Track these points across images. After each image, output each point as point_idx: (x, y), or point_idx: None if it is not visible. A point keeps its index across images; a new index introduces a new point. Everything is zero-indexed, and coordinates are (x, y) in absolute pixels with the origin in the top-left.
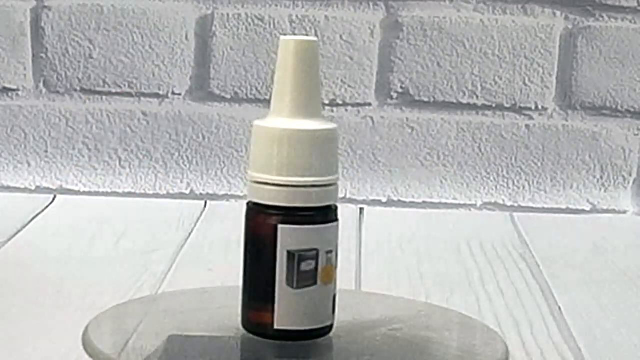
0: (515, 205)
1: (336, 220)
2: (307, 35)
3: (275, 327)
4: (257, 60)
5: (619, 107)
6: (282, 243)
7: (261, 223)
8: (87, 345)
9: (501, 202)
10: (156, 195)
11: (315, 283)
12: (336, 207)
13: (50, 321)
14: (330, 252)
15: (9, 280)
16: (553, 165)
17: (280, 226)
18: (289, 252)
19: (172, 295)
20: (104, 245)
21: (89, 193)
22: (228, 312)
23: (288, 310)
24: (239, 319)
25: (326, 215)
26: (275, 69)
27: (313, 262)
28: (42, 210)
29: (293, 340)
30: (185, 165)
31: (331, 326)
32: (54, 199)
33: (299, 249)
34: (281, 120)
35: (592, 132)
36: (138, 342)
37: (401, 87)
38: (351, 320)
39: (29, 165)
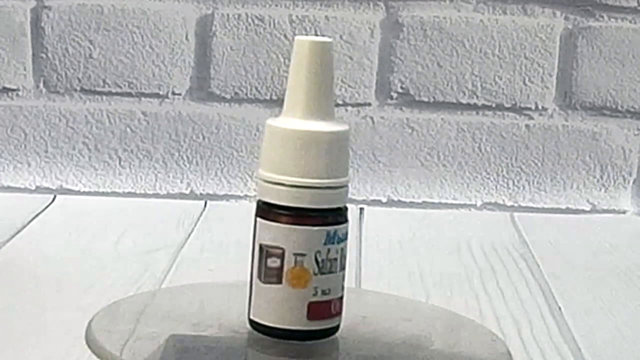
0: (515, 205)
1: (320, 225)
2: (306, 34)
3: (250, 316)
4: (257, 60)
5: (619, 107)
6: (257, 236)
7: (254, 217)
8: (90, 342)
9: (501, 202)
10: (156, 195)
11: (279, 282)
12: (329, 213)
13: (50, 321)
14: (302, 255)
15: (9, 280)
16: (553, 165)
17: (257, 219)
18: (260, 246)
19: (176, 290)
20: (104, 245)
21: (89, 193)
22: (231, 308)
23: (258, 302)
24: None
25: (301, 217)
26: (289, 68)
27: (278, 261)
28: (42, 210)
29: (263, 334)
30: (185, 165)
31: (313, 332)
32: (54, 199)
33: (267, 244)
34: (293, 120)
35: (592, 132)
36: (140, 339)
37: (401, 87)
38: (352, 322)
39: (29, 165)
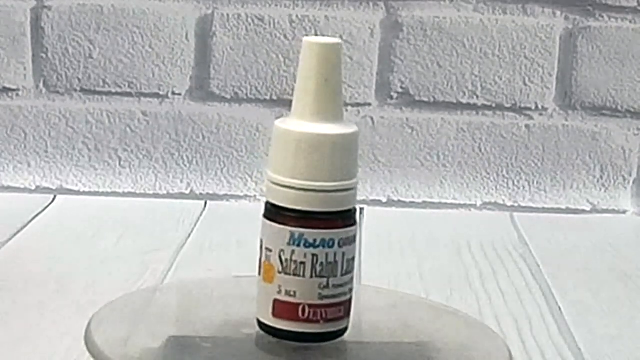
0: (515, 205)
1: (284, 224)
2: (306, 34)
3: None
4: (257, 60)
5: (619, 107)
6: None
7: None
8: (89, 345)
9: (501, 202)
10: (156, 195)
11: (260, 274)
12: (297, 214)
13: (50, 321)
14: (270, 250)
15: (9, 280)
16: (553, 165)
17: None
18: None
19: (178, 286)
20: (104, 245)
21: (89, 193)
22: (233, 306)
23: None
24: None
25: (272, 213)
26: (298, 70)
27: (260, 253)
28: (42, 210)
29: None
30: (185, 165)
31: (277, 330)
32: (54, 199)
33: (260, 237)
34: (301, 123)
35: (592, 132)
36: (139, 343)
37: (401, 87)
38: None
39: (29, 165)
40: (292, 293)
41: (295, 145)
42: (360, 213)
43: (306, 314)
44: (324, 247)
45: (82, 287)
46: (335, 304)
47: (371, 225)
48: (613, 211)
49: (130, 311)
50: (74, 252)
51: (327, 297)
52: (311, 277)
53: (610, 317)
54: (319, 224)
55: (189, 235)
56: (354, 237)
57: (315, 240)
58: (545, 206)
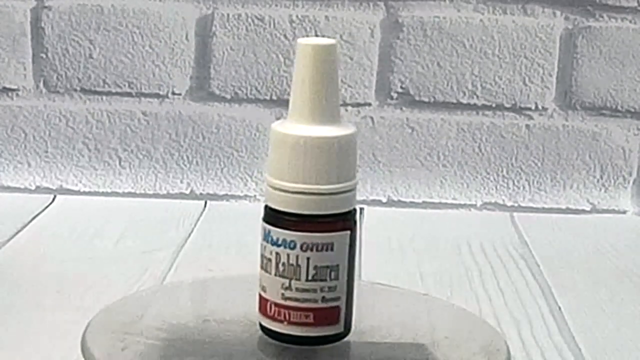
0: (515, 205)
1: (266, 222)
2: (306, 35)
3: None
4: (257, 60)
5: (619, 107)
6: None
7: None
8: (85, 350)
9: (501, 202)
10: (156, 195)
11: None
12: (271, 211)
13: (50, 321)
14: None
15: (9, 281)
16: (553, 165)
17: None
18: None
19: (178, 287)
20: (104, 245)
21: (89, 193)
22: (234, 306)
23: None
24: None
25: (269, 215)
26: (293, 71)
27: None
28: (42, 210)
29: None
30: (185, 165)
31: (260, 324)
32: (54, 199)
33: None
34: (298, 126)
35: (592, 132)
36: (139, 341)
37: (401, 87)
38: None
39: (29, 165)
40: (264, 288)
41: (283, 146)
42: (360, 213)
43: (272, 311)
44: (285, 247)
45: (82, 287)
46: (300, 308)
47: (371, 225)
48: (613, 211)
49: (128, 313)
50: (74, 252)
51: (290, 299)
52: (275, 275)
53: (610, 317)
54: (284, 224)
55: (189, 235)
56: (330, 245)
57: (278, 239)
58: (545, 206)
